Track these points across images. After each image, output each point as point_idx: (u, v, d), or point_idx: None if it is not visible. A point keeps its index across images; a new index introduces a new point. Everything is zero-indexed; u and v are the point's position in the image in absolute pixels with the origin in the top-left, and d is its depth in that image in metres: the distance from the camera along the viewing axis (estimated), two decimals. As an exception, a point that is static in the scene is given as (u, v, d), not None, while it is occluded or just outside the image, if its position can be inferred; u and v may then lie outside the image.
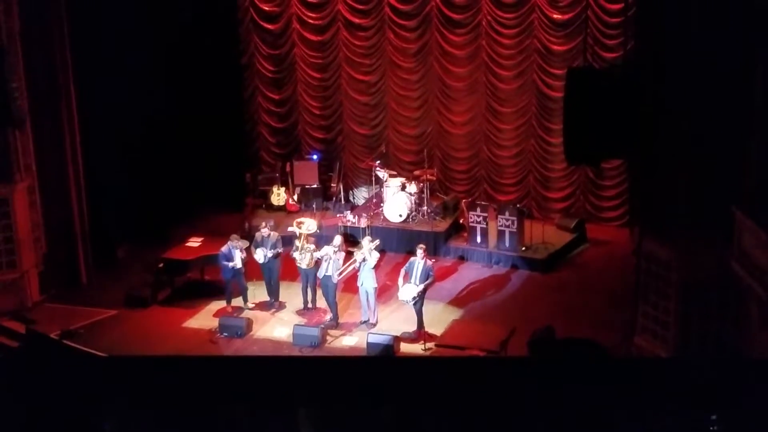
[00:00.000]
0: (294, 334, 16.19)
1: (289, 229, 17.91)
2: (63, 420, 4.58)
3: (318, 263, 16.91)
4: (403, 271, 16.39)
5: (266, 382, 4.56)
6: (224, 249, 17.19)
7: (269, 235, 17.47)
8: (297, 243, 17.30)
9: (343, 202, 22.06)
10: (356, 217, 20.30)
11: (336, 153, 22.79)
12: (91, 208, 18.91)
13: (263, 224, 17.81)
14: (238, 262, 17.15)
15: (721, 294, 13.49)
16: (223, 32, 22.15)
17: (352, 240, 19.30)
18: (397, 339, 15.82)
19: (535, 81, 20.79)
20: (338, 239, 17.04)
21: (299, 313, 17.31)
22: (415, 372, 4.68)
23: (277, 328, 16.86)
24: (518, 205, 20.05)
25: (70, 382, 4.72)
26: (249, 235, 18.87)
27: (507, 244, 19.30)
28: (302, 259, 17.06)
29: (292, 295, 17.74)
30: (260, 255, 17.30)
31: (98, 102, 18.65)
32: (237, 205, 21.83)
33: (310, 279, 17.23)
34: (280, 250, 17.40)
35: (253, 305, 17.58)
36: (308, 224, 17.90)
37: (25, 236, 17.69)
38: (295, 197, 22.03)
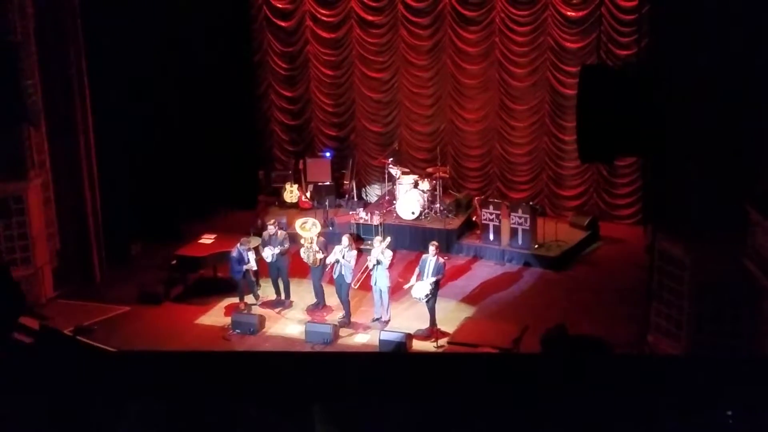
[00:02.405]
0: (306, 331, 16.20)
1: (269, 225, 17.71)
2: (75, 416, 4.60)
3: (327, 264, 16.91)
4: (417, 270, 16.36)
5: (279, 379, 4.57)
6: (234, 253, 17.20)
7: (277, 233, 17.49)
8: (302, 241, 17.32)
9: (355, 199, 22.08)
10: (369, 214, 20.30)
11: (349, 150, 22.81)
12: (104, 205, 18.98)
13: (271, 222, 17.84)
14: (252, 263, 17.19)
15: (735, 292, 13.44)
16: (237, 30, 22.21)
17: (362, 238, 19.33)
18: (409, 336, 15.81)
19: (548, 78, 20.76)
20: (345, 240, 16.89)
21: (310, 310, 17.33)
22: (427, 369, 4.68)
23: (290, 325, 16.89)
24: (531, 203, 20.02)
25: (84, 378, 4.73)
26: (261, 233, 18.92)
27: (520, 242, 19.27)
28: (307, 258, 17.08)
29: (302, 292, 17.76)
30: (268, 254, 17.32)
31: (112, 99, 18.71)
32: (250, 203, 21.88)
33: (316, 277, 17.23)
34: (287, 246, 17.41)
35: (262, 300, 17.63)
36: (311, 225, 17.81)
37: (39, 233, 17.76)
38: (308, 194, 22.05)
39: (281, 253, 17.33)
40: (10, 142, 17.26)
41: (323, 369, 4.64)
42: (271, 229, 17.56)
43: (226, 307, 17.52)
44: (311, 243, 17.08)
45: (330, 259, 16.77)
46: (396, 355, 13.37)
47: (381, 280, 16.51)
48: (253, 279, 17.65)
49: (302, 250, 17.14)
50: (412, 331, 16.09)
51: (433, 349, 15.69)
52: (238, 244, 17.28)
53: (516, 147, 21.64)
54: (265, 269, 17.75)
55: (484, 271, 19.09)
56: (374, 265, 16.46)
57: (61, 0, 17.70)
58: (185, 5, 20.48)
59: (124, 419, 4.53)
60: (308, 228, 17.59)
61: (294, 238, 17.92)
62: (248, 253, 17.21)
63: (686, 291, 13.96)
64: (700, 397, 4.20)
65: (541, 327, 14.91)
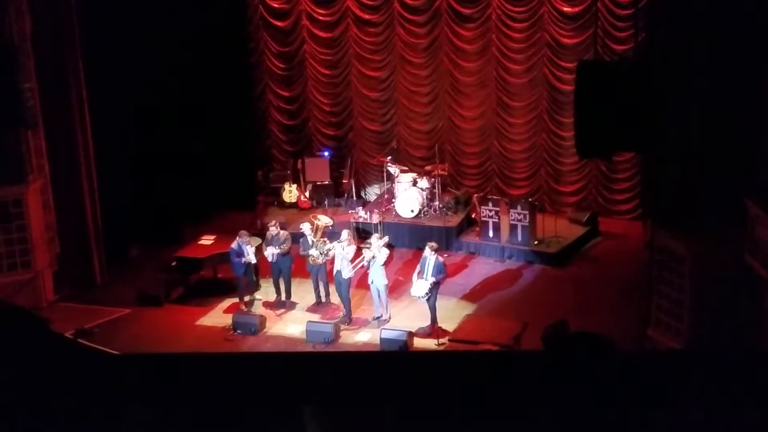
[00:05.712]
0: (307, 331, 16.21)
1: (301, 226, 17.89)
2: (77, 418, 4.60)
3: (330, 259, 16.98)
4: (417, 269, 16.36)
5: (281, 379, 4.58)
6: (234, 245, 17.28)
7: (278, 233, 17.51)
8: (311, 238, 17.27)
9: (354, 198, 22.08)
10: (368, 213, 20.31)
11: (347, 149, 22.80)
12: (103, 208, 18.98)
13: (273, 222, 17.86)
14: (251, 257, 17.20)
15: (735, 286, 13.45)
16: (233, 30, 22.18)
17: (363, 236, 19.34)
18: (410, 334, 15.82)
19: (545, 75, 20.75)
20: (345, 234, 17.01)
21: (311, 309, 17.35)
22: (428, 367, 4.69)
23: (291, 324, 16.90)
24: (530, 199, 20.02)
25: (85, 380, 4.73)
26: (261, 233, 18.92)
27: (519, 239, 19.28)
28: (318, 255, 17.05)
29: (303, 292, 17.76)
30: (269, 254, 17.34)
31: (109, 102, 18.71)
32: (249, 203, 21.85)
33: (321, 275, 17.25)
34: (288, 246, 17.42)
35: (261, 299, 17.68)
36: (324, 219, 18.10)
37: (38, 236, 17.77)
38: (307, 194, 22.05)
39: (282, 254, 17.33)
40: (9, 146, 17.28)
41: (325, 369, 4.65)
42: (272, 229, 17.58)
43: (227, 308, 17.52)
44: (320, 237, 17.14)
45: (330, 254, 16.85)
46: (397, 354, 13.38)
47: (377, 278, 16.52)
48: (254, 277, 17.67)
49: (312, 249, 17.07)
50: (413, 329, 16.11)
51: (435, 347, 15.71)
52: (238, 237, 17.33)
53: (514, 144, 21.63)
54: (267, 269, 17.77)
55: (484, 268, 19.10)
56: (369, 262, 16.48)
57: (58, 2, 17.70)
58: (182, 7, 20.46)
59: (124, 421, 4.54)
60: (319, 217, 17.88)
61: (295, 239, 17.87)
62: (247, 247, 17.22)
63: (686, 285, 13.96)
64: (700, 392, 4.21)
65: (541, 323, 14.91)
